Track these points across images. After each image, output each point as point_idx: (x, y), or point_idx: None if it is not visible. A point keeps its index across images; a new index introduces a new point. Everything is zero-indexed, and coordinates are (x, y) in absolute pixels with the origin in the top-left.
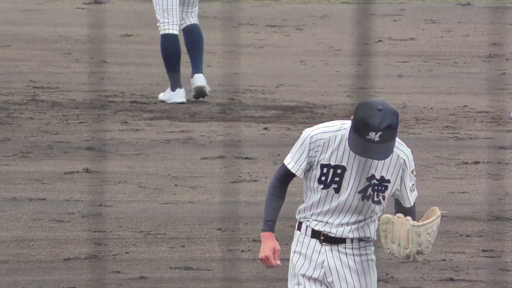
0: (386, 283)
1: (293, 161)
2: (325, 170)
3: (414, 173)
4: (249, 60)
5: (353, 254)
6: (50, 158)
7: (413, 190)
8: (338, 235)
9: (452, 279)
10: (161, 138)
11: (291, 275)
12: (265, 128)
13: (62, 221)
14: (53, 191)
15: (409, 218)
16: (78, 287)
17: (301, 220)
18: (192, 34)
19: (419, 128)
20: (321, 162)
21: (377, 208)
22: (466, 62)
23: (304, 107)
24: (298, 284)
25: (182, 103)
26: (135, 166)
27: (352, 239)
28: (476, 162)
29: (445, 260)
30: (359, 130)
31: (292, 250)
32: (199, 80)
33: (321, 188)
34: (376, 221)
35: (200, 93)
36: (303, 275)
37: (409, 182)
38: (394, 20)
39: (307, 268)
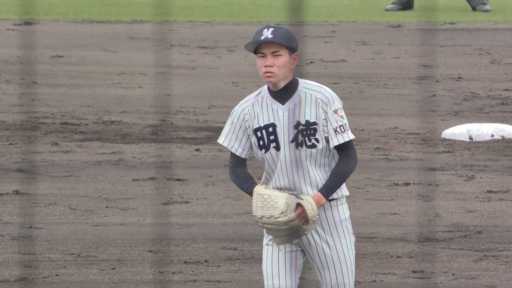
0: None
1: (226, 139)
2: (259, 134)
3: (340, 113)
4: (181, 81)
5: (326, 216)
6: None
7: (342, 132)
8: None
9: None
10: (92, 160)
11: (265, 236)
12: (197, 150)
13: None
14: None
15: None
16: None
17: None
18: None
19: None
20: (254, 127)
21: (318, 154)
22: (396, 84)
23: None
24: (268, 239)
25: None
26: (66, 188)
27: None
28: (407, 184)
29: (375, 281)
30: (255, 38)
31: None
32: None
33: (264, 153)
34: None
35: None
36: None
37: (334, 122)
38: (326, 42)
39: None
